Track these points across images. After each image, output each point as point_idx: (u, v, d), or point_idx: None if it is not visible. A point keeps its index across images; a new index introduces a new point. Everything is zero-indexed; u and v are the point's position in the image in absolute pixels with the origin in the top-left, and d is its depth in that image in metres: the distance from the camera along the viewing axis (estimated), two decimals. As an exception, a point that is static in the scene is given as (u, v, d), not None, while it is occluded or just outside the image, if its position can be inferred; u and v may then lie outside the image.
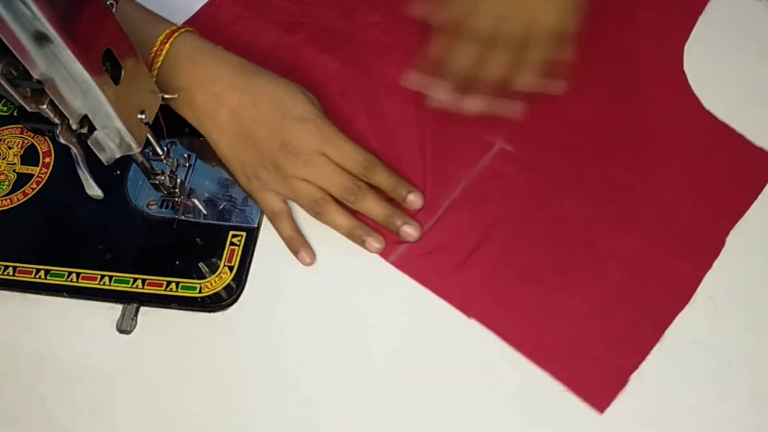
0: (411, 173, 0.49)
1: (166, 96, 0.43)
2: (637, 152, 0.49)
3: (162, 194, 0.49)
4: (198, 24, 0.57)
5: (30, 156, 0.53)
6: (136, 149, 0.40)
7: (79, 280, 0.47)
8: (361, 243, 0.46)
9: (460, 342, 0.44)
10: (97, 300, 0.47)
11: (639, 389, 0.42)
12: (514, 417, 0.42)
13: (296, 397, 0.44)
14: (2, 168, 0.52)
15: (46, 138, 0.53)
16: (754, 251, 0.46)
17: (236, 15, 0.57)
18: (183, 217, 0.49)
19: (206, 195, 0.50)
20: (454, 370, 0.44)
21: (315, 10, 0.57)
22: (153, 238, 0.49)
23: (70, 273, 0.48)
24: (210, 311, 0.46)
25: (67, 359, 0.46)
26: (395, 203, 0.47)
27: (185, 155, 0.51)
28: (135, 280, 0.47)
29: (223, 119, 0.47)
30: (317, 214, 0.47)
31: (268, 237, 0.49)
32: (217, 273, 0.47)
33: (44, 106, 0.34)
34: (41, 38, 0.31)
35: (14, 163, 0.52)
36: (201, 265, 0.47)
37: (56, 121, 0.35)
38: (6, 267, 0.48)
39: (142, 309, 0.47)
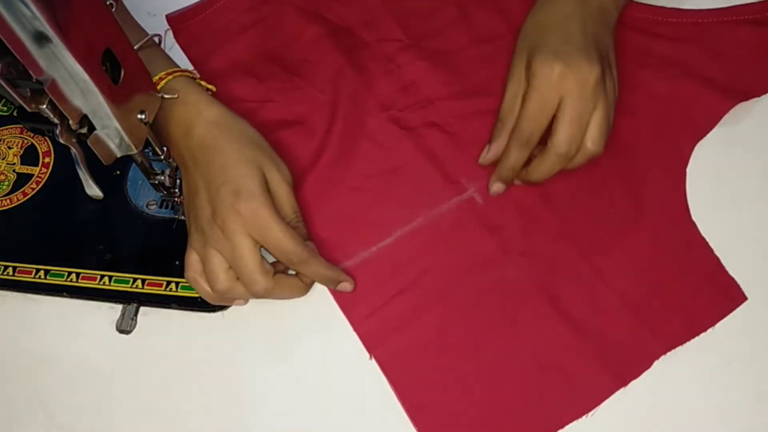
0: (376, 190, 0.49)
1: (166, 96, 0.43)
2: (607, 244, 0.46)
3: (162, 194, 0.49)
4: (220, 6, 0.56)
5: (30, 156, 0.53)
6: (136, 149, 0.40)
7: (79, 280, 0.47)
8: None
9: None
10: (97, 300, 0.47)
11: (639, 389, 0.42)
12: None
13: (296, 397, 0.43)
14: (2, 168, 0.52)
15: (46, 138, 0.53)
16: (754, 252, 0.46)
17: None
18: (183, 217, 0.49)
19: (206, 195, 0.50)
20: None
21: (341, 7, 0.56)
22: (153, 238, 0.49)
23: (70, 273, 0.48)
24: (210, 311, 0.46)
25: (67, 359, 0.46)
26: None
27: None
28: (135, 280, 0.47)
29: (183, 166, 0.46)
30: (214, 291, 0.44)
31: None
32: (217, 273, 0.47)
33: (44, 106, 0.34)
34: (41, 38, 0.31)
35: (14, 163, 0.52)
36: (201, 265, 0.47)
37: (56, 121, 0.35)
38: (6, 267, 0.48)
39: (142, 309, 0.47)
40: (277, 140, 0.48)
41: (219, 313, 0.46)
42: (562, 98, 0.44)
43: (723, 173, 0.48)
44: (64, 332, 0.46)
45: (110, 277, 0.47)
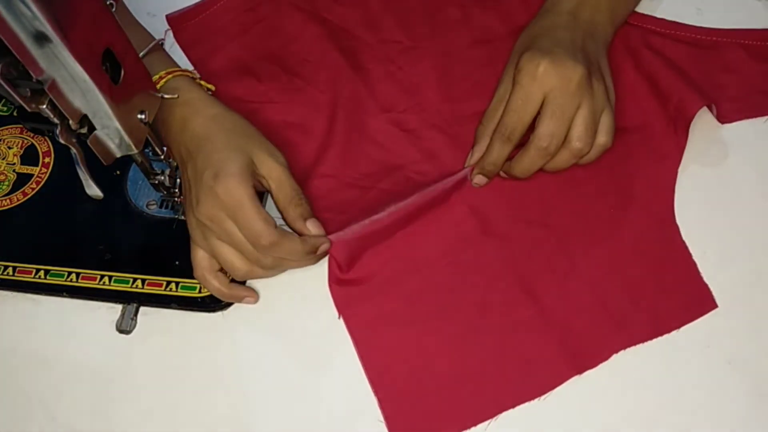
0: (377, 189, 0.49)
1: (166, 96, 0.43)
2: (588, 237, 0.47)
3: (162, 194, 0.49)
4: (220, 6, 0.56)
5: (30, 156, 0.53)
6: (136, 149, 0.40)
7: (79, 280, 0.47)
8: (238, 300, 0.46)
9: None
10: (97, 300, 0.47)
11: (639, 389, 0.42)
12: (512, 417, 0.42)
13: (296, 397, 0.43)
14: (2, 168, 0.52)
15: (46, 138, 0.53)
16: (754, 251, 0.46)
17: None
18: (183, 217, 0.49)
19: (206, 195, 0.50)
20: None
21: (341, 8, 0.56)
22: (153, 238, 0.49)
23: (70, 273, 0.48)
24: (210, 311, 0.46)
25: (67, 359, 0.46)
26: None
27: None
28: (135, 280, 0.47)
29: (180, 162, 0.46)
30: (238, 278, 0.45)
31: (268, 237, 0.49)
32: (217, 273, 0.47)
33: (44, 106, 0.34)
34: (41, 38, 0.31)
35: (14, 163, 0.52)
36: (201, 265, 0.47)
37: (56, 121, 0.35)
38: (6, 267, 0.48)
39: (142, 309, 0.47)
40: (278, 140, 0.48)
41: (219, 313, 0.46)
42: (545, 95, 0.44)
43: (714, 179, 0.49)
44: (64, 332, 0.46)
45: (110, 277, 0.47)
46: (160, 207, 0.50)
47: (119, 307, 0.47)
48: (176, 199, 0.48)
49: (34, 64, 0.32)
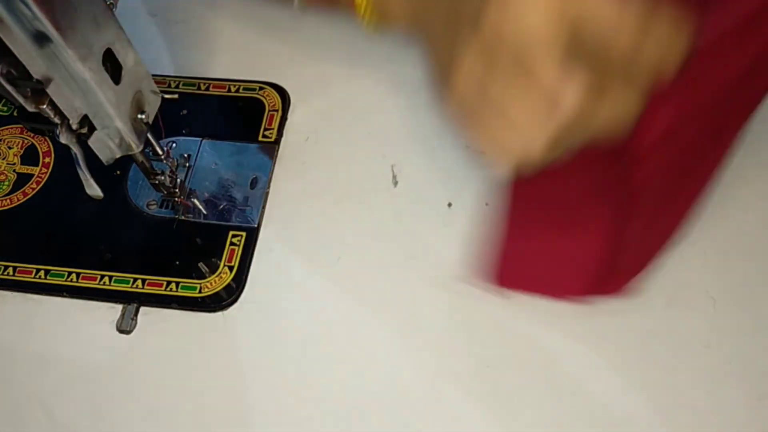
0: None
1: (167, 96, 0.43)
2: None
3: (162, 194, 0.49)
4: None
5: (30, 156, 0.53)
6: (136, 149, 0.40)
7: (79, 280, 0.47)
8: None
9: (460, 344, 0.44)
10: (97, 300, 0.47)
11: (639, 389, 0.42)
12: (512, 417, 0.42)
13: (296, 397, 0.44)
14: (2, 168, 0.52)
15: (46, 138, 0.53)
16: (754, 251, 0.46)
17: None
18: (183, 217, 0.49)
19: (206, 195, 0.50)
20: (454, 370, 0.44)
21: None
22: (153, 238, 0.49)
23: (70, 273, 0.48)
24: (210, 311, 0.46)
25: (67, 359, 0.46)
26: None
27: (185, 155, 0.51)
28: (135, 280, 0.47)
29: None
30: None
31: (268, 237, 0.49)
32: (217, 273, 0.47)
33: (44, 106, 0.34)
34: (41, 38, 0.31)
35: (14, 163, 0.52)
36: (201, 265, 0.47)
37: (56, 121, 0.35)
38: (6, 267, 0.48)
39: (142, 309, 0.47)
40: None
41: (219, 313, 0.46)
42: None
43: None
44: (64, 332, 0.46)
45: (110, 277, 0.47)
46: (161, 207, 0.50)
47: (119, 307, 0.47)
48: (176, 199, 0.48)
49: (34, 64, 0.32)
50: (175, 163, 0.47)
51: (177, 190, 0.48)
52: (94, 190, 0.40)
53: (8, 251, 0.49)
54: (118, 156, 0.40)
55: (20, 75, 0.32)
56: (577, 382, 0.43)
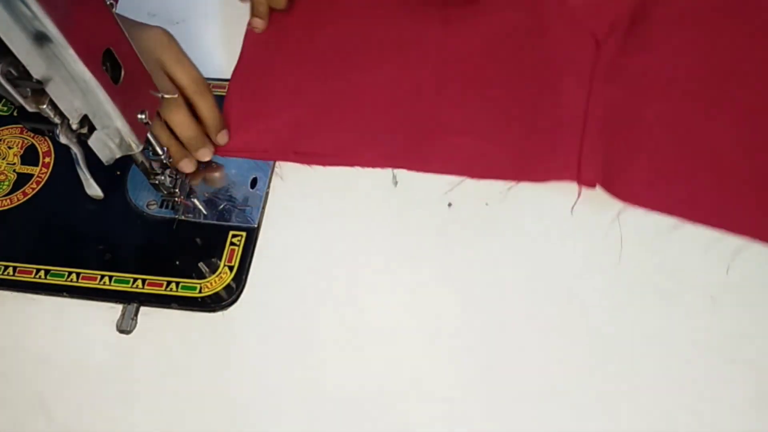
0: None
1: (166, 96, 0.43)
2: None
3: (162, 194, 0.49)
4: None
5: (30, 156, 0.53)
6: (136, 149, 0.40)
7: (79, 280, 0.47)
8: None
9: (460, 344, 0.44)
10: (97, 300, 0.47)
11: (639, 389, 0.42)
12: (510, 415, 0.42)
13: (296, 397, 0.44)
14: (2, 168, 0.52)
15: (46, 138, 0.53)
16: (754, 251, 0.46)
17: None
18: (183, 217, 0.49)
19: (206, 195, 0.50)
20: (454, 371, 0.44)
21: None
22: (153, 238, 0.49)
23: (70, 273, 0.48)
24: (210, 311, 0.46)
25: (67, 359, 0.46)
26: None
27: (185, 155, 0.51)
28: (135, 280, 0.47)
29: None
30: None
31: (268, 237, 0.49)
32: (217, 273, 0.47)
33: (44, 106, 0.34)
34: (41, 38, 0.31)
35: (14, 163, 0.52)
36: (201, 265, 0.47)
37: (56, 121, 0.35)
38: (6, 267, 0.48)
39: (142, 309, 0.47)
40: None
41: (219, 313, 0.46)
42: None
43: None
44: (64, 332, 0.46)
45: (110, 277, 0.47)
46: (160, 207, 0.50)
47: (119, 307, 0.47)
48: (176, 199, 0.48)
49: (34, 64, 0.32)
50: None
51: (177, 190, 0.48)
52: (94, 190, 0.40)
53: (8, 251, 0.49)
54: (118, 156, 0.40)
55: (20, 75, 0.32)
56: (575, 381, 0.43)
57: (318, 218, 0.49)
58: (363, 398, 0.43)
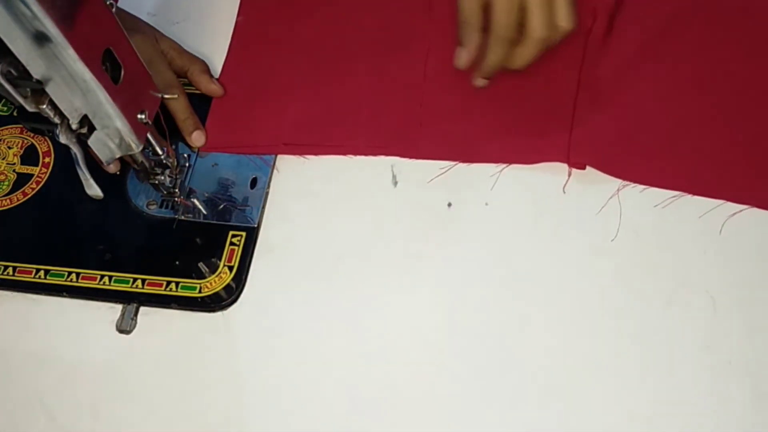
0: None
1: (166, 96, 0.43)
2: None
3: (162, 194, 0.49)
4: None
5: (30, 156, 0.53)
6: (136, 149, 0.40)
7: (79, 280, 0.47)
8: (188, 135, 0.51)
9: (459, 344, 0.44)
10: (97, 300, 0.47)
11: (639, 389, 0.42)
12: (510, 416, 0.42)
13: (296, 397, 0.44)
14: (2, 168, 0.52)
15: (46, 138, 0.53)
16: (754, 251, 0.46)
17: None
18: (183, 217, 0.49)
19: (206, 195, 0.50)
20: (453, 372, 0.44)
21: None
22: (153, 238, 0.49)
23: (70, 273, 0.48)
24: (210, 311, 0.46)
25: (67, 359, 0.46)
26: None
27: (185, 155, 0.51)
28: (135, 280, 0.47)
29: None
30: None
31: (268, 237, 0.49)
32: (216, 273, 0.47)
33: (44, 106, 0.34)
34: (41, 38, 0.31)
35: (14, 163, 0.52)
36: (201, 265, 0.47)
37: (56, 121, 0.35)
38: (6, 267, 0.48)
39: (142, 309, 0.47)
40: None
41: (219, 313, 0.46)
42: None
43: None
44: (64, 332, 0.46)
45: (110, 277, 0.47)
46: (160, 207, 0.50)
47: (119, 307, 0.47)
48: (176, 199, 0.48)
49: (34, 64, 0.32)
50: (176, 163, 0.47)
51: (177, 190, 0.48)
52: (94, 190, 0.40)
53: (8, 251, 0.49)
54: (118, 156, 0.40)
55: (20, 75, 0.32)
56: (575, 381, 0.43)
57: (318, 218, 0.49)
58: (363, 398, 0.43)
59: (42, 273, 0.48)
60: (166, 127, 0.47)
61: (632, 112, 0.50)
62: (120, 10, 0.51)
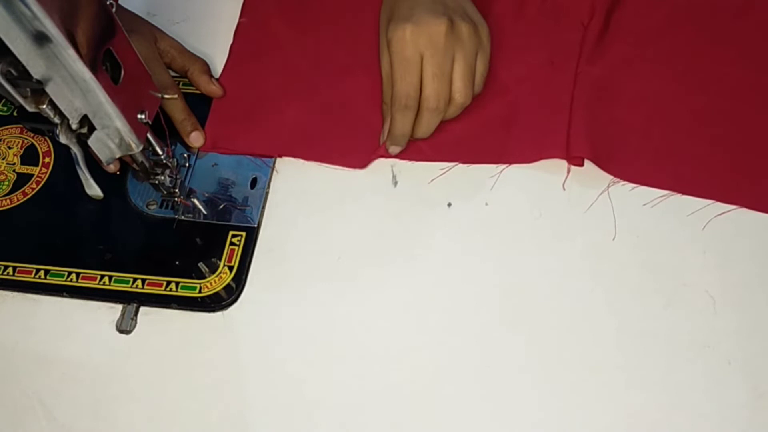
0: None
1: (166, 96, 0.43)
2: None
3: (162, 194, 0.49)
4: None
5: (30, 156, 0.53)
6: (136, 149, 0.40)
7: (79, 280, 0.47)
8: (186, 135, 0.51)
9: (459, 344, 0.44)
10: (97, 300, 0.47)
11: (639, 389, 0.42)
12: (510, 417, 0.42)
13: (296, 397, 0.44)
14: (2, 168, 0.52)
15: (46, 138, 0.53)
16: (754, 251, 0.46)
17: None
18: (183, 217, 0.49)
19: (206, 195, 0.50)
20: (454, 371, 0.44)
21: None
22: (153, 238, 0.49)
23: (70, 273, 0.48)
24: (210, 311, 0.46)
25: (67, 359, 0.46)
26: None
27: (185, 155, 0.51)
28: (135, 280, 0.47)
29: None
30: None
31: (268, 237, 0.49)
32: (216, 273, 0.47)
33: (44, 106, 0.34)
34: (41, 38, 0.31)
35: (14, 163, 0.52)
36: (201, 265, 0.47)
37: (56, 121, 0.35)
38: (6, 267, 0.48)
39: (142, 309, 0.47)
40: None
41: (219, 313, 0.46)
42: (422, 56, 0.46)
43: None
44: (64, 332, 0.46)
45: (110, 277, 0.47)
46: (160, 207, 0.50)
47: (119, 307, 0.47)
48: (176, 199, 0.48)
49: (34, 64, 0.32)
50: (176, 163, 0.47)
51: (177, 190, 0.48)
52: (94, 190, 0.40)
53: (8, 251, 0.49)
54: (118, 156, 0.40)
55: (20, 75, 0.32)
56: (575, 381, 0.43)
57: (318, 218, 0.49)
58: (363, 398, 0.43)
59: (42, 273, 0.48)
60: (166, 127, 0.47)
61: (629, 111, 0.50)
62: (121, 9, 0.51)
